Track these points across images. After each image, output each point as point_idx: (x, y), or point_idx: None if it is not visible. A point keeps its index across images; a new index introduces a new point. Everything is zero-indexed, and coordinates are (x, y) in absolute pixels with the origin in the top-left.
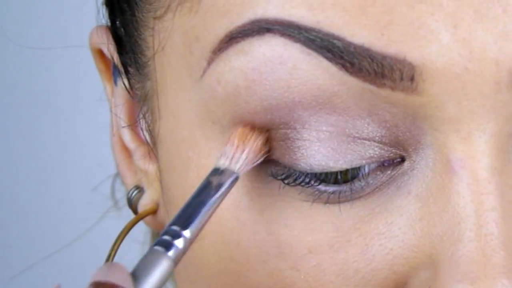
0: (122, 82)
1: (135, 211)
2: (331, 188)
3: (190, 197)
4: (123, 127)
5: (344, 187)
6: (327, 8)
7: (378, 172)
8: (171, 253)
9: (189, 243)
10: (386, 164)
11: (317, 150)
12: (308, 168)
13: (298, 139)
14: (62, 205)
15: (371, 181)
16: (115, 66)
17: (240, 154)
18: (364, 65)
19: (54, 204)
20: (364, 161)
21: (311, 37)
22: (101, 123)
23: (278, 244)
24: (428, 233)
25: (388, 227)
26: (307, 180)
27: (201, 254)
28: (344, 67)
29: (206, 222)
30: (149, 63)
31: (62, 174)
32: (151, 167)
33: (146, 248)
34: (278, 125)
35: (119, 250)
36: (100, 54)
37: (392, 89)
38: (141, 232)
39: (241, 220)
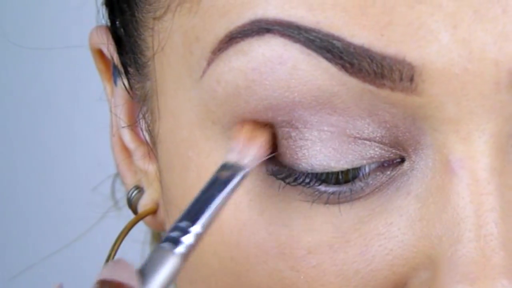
0: (122, 82)
1: (135, 211)
2: (331, 189)
3: (198, 192)
4: (123, 127)
5: (344, 188)
6: (327, 9)
7: (378, 173)
8: (178, 249)
9: (197, 239)
10: (386, 165)
11: (319, 150)
12: (309, 168)
13: (300, 138)
14: (62, 205)
15: (371, 182)
16: (115, 66)
17: (248, 149)
18: (363, 65)
19: (54, 204)
20: (365, 161)
21: (311, 37)
22: (101, 123)
23: (277, 245)
24: (427, 233)
25: (388, 227)
26: (307, 180)
27: (200, 254)
28: (343, 67)
29: (214, 218)
30: (149, 63)
31: (62, 174)
32: (151, 167)
33: (146, 248)
34: (280, 124)
35: (119, 250)
36: (100, 54)
37: (392, 89)
38: (141, 232)
39: (241, 220)
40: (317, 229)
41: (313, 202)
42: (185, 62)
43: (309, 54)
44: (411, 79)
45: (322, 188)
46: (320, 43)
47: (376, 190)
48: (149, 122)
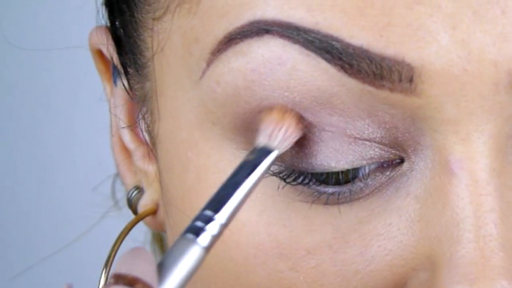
0: (122, 82)
1: (135, 211)
2: (330, 189)
3: (225, 179)
4: (123, 127)
5: (344, 188)
6: (326, 10)
7: (378, 173)
8: (202, 240)
9: (223, 227)
10: (385, 165)
11: (320, 150)
12: (310, 168)
13: (300, 138)
14: (62, 205)
15: (371, 182)
16: (114, 67)
17: (279, 131)
18: (363, 66)
19: (54, 204)
20: (364, 162)
21: (310, 38)
22: (101, 123)
23: (277, 245)
24: (427, 234)
25: (387, 228)
26: (307, 180)
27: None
28: (343, 68)
29: (242, 203)
30: (149, 64)
31: (62, 174)
32: (150, 168)
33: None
34: None
35: (119, 250)
36: (99, 54)
37: (391, 90)
38: (142, 232)
39: (240, 221)
40: (316, 230)
41: (312, 202)
42: (184, 63)
43: (308, 55)
44: (410, 80)
45: (322, 188)
46: (319, 44)
47: (376, 190)
48: (148, 122)
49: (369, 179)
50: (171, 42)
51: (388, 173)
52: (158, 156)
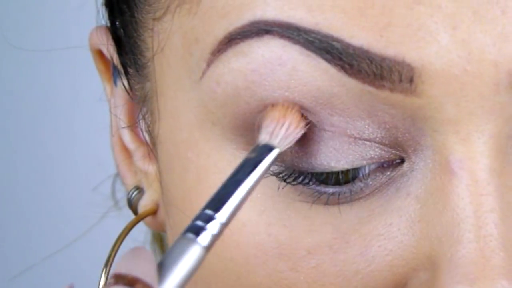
0: (122, 83)
1: (135, 211)
2: (330, 189)
3: (226, 178)
4: (123, 127)
5: (344, 188)
6: (326, 10)
7: (378, 173)
8: (202, 239)
9: (223, 226)
10: (385, 165)
11: (320, 150)
12: (310, 167)
13: (300, 137)
14: (62, 205)
15: (371, 182)
16: (114, 67)
17: (280, 128)
18: (363, 66)
19: (54, 204)
20: (365, 162)
21: (310, 38)
22: (101, 123)
23: (277, 245)
24: (427, 234)
25: (388, 228)
26: (307, 180)
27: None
28: (343, 68)
29: (243, 202)
30: (149, 64)
31: (62, 174)
32: (151, 168)
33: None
34: None
35: (119, 250)
36: (99, 54)
37: (391, 90)
38: (142, 232)
39: (241, 221)
40: (317, 230)
41: (313, 202)
42: (184, 63)
43: (309, 55)
44: (411, 80)
45: (322, 188)
46: (319, 44)
47: (376, 190)
48: (149, 123)
49: (369, 179)
50: (171, 42)
51: (388, 173)
52: (158, 156)
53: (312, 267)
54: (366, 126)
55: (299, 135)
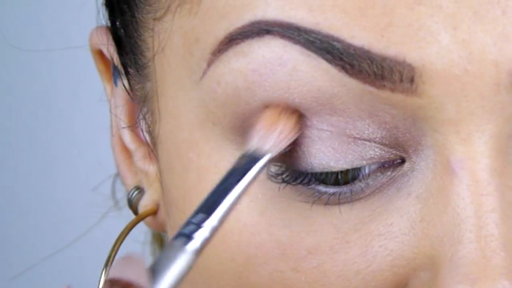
0: (122, 83)
1: (135, 211)
2: (331, 189)
3: (216, 184)
4: (123, 127)
5: (344, 188)
6: (327, 10)
7: (378, 173)
8: (191, 245)
9: (212, 232)
10: (386, 165)
11: (318, 149)
12: (309, 167)
13: (299, 136)
14: (62, 205)
15: (371, 182)
16: (115, 67)
17: (271, 134)
18: (363, 66)
19: (54, 204)
20: (364, 162)
21: (311, 38)
22: (102, 123)
23: (278, 245)
24: (428, 234)
25: (388, 228)
26: (306, 180)
27: (201, 255)
28: (343, 68)
29: (231, 209)
30: (149, 64)
31: (62, 174)
32: (151, 168)
33: (146, 248)
34: None
35: (119, 251)
36: (100, 54)
37: (392, 90)
38: (142, 232)
39: (241, 221)
40: (317, 230)
41: (313, 203)
42: (185, 63)
43: (309, 55)
44: (412, 80)
45: (322, 189)
46: (320, 45)
47: (377, 190)
48: (149, 123)
49: (369, 179)
50: (172, 42)
51: (389, 173)
52: (159, 156)
53: (313, 267)
54: (366, 126)
55: (291, 140)
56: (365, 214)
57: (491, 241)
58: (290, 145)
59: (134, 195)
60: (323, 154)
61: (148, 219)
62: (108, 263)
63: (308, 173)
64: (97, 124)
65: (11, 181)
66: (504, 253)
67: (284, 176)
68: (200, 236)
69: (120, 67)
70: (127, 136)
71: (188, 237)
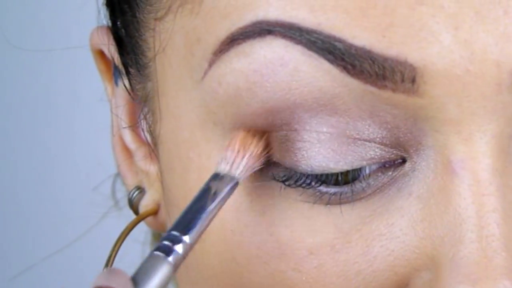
0: (123, 83)
1: (136, 211)
2: (332, 190)
3: (190, 202)
4: (124, 127)
5: (345, 189)
6: (328, 10)
7: (379, 173)
8: (171, 258)
9: (188, 248)
10: (387, 165)
11: (318, 152)
12: (309, 169)
13: (298, 140)
14: (62, 205)
15: (372, 182)
16: (115, 67)
17: (241, 160)
18: (365, 67)
19: (54, 204)
20: (365, 162)
21: (312, 39)
22: (102, 123)
23: (279, 245)
24: (429, 234)
25: (389, 228)
26: (307, 181)
27: (202, 255)
28: (345, 69)
29: (205, 227)
30: (150, 64)
31: (62, 174)
32: (152, 168)
33: (147, 248)
34: (279, 127)
35: (119, 250)
36: (100, 54)
37: (393, 90)
38: (142, 232)
39: (242, 222)
40: (318, 230)
41: (314, 203)
42: (186, 63)
43: (311, 55)
44: (413, 81)
45: (323, 189)
46: (321, 45)
47: (378, 190)
48: (150, 123)
49: (371, 179)
50: (173, 42)
51: (390, 173)
52: (160, 156)
53: (313, 267)
54: (367, 127)
55: (259, 166)
56: (366, 214)
57: (492, 241)
58: (293, 145)
59: (134, 195)
60: (323, 156)
61: (149, 219)
62: (109, 263)
63: (309, 175)
64: (97, 124)
65: (11, 181)
66: (506, 253)
67: (285, 179)
68: (179, 249)
69: (121, 67)
70: (128, 136)
71: (169, 249)
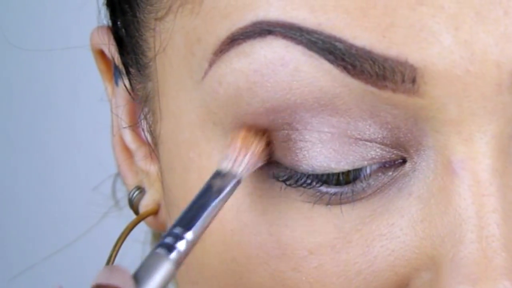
0: (123, 83)
1: (136, 211)
2: (332, 190)
3: (192, 200)
4: (124, 127)
5: (346, 189)
6: (329, 10)
7: (380, 173)
8: (172, 255)
9: (190, 246)
10: (387, 165)
11: (319, 152)
12: (310, 169)
13: (300, 140)
14: (62, 205)
15: (373, 183)
16: (116, 67)
17: (243, 158)
18: (365, 67)
19: (54, 204)
20: (365, 162)
21: (313, 39)
22: (102, 123)
23: (279, 245)
24: (429, 234)
25: (390, 228)
26: (308, 181)
27: (202, 255)
28: (345, 69)
29: (207, 225)
30: (150, 64)
31: (62, 174)
32: (152, 168)
33: (147, 248)
34: (280, 126)
35: (119, 250)
36: (101, 54)
37: (394, 91)
38: (142, 232)
39: (242, 221)
40: (318, 230)
41: (314, 203)
42: (186, 63)
43: (311, 55)
44: (413, 81)
45: (324, 189)
46: (322, 45)
47: (378, 191)
48: (150, 122)
49: (371, 179)
50: (173, 42)
51: (390, 173)
52: (160, 156)
53: (314, 267)
54: (368, 127)
55: (261, 164)
56: (366, 214)
57: (492, 241)
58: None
59: (135, 195)
60: (324, 156)
61: (149, 219)
62: (109, 263)
63: (310, 175)
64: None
65: (11, 181)
66: (506, 254)
67: (285, 179)
68: (181, 246)
69: (121, 67)
70: (128, 136)
71: (170, 247)
